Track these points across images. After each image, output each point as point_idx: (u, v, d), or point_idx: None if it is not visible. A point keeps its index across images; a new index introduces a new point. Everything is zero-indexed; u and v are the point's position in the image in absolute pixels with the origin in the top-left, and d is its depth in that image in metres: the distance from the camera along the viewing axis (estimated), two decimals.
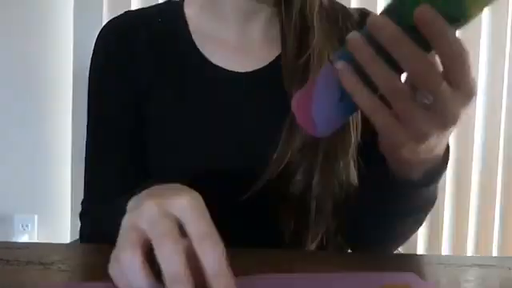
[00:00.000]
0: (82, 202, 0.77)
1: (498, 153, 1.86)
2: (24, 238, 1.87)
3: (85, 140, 0.76)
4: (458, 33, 0.41)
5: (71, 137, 1.80)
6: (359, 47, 0.41)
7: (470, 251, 1.87)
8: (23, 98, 1.86)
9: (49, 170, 1.87)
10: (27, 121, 1.86)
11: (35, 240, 1.87)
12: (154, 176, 0.72)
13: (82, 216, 0.76)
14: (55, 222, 1.88)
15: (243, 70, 0.71)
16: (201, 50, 0.73)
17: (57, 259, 0.55)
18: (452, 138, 1.84)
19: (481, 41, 1.82)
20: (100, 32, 0.76)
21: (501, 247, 1.89)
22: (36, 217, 1.89)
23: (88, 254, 0.60)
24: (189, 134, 0.70)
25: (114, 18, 0.77)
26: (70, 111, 1.79)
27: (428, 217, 0.66)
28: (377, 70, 0.40)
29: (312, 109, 0.44)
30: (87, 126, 0.76)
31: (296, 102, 0.45)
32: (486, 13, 1.82)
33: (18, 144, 1.87)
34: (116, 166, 0.73)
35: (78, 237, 0.75)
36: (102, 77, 0.75)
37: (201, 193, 0.40)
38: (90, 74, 0.76)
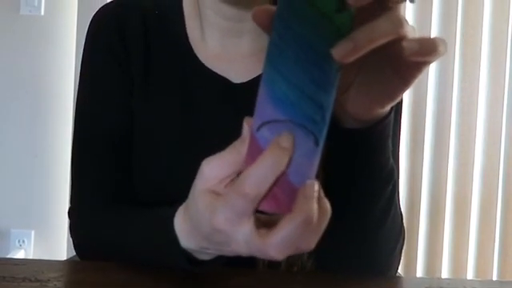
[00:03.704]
0: (72, 199, 0.74)
1: (498, 174, 1.85)
2: (20, 254, 1.85)
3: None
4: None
5: (70, 152, 1.80)
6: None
7: (470, 274, 1.86)
8: (20, 112, 1.86)
9: (46, 186, 1.86)
10: (24, 135, 1.86)
11: (31, 256, 1.86)
12: (137, 175, 0.71)
13: (75, 217, 0.72)
14: (52, 237, 1.87)
15: (237, 81, 0.70)
16: (195, 50, 0.71)
17: (53, 276, 0.54)
18: (452, 161, 1.84)
19: (481, 43, 1.83)
20: (96, 16, 0.74)
21: (501, 270, 1.88)
22: (33, 232, 1.87)
23: (84, 271, 0.59)
24: (173, 138, 0.69)
25: (109, 3, 0.74)
26: (70, 125, 1.79)
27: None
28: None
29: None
30: (76, 109, 0.74)
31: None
32: (486, 16, 1.83)
33: (15, 158, 1.87)
34: (108, 155, 0.71)
35: (74, 253, 0.74)
36: (97, 60, 0.73)
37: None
38: (83, 57, 0.74)
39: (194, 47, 0.72)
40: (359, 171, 0.55)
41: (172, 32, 0.72)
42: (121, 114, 0.71)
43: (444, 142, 1.84)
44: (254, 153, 0.38)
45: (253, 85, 0.37)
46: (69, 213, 0.73)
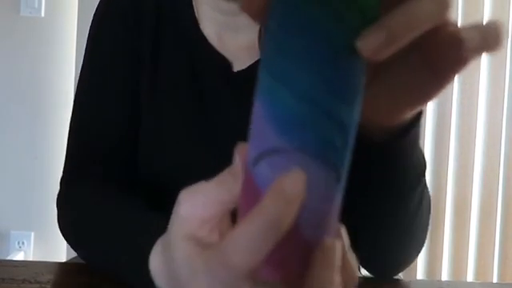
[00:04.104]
0: (65, 168, 0.74)
1: (499, 177, 1.85)
2: (20, 256, 1.85)
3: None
4: None
5: None
6: None
7: (470, 277, 1.85)
8: (20, 114, 1.86)
9: (46, 187, 1.86)
10: (24, 137, 1.86)
11: (31, 257, 1.85)
12: (141, 158, 0.70)
13: (63, 186, 0.71)
14: (52, 239, 1.86)
15: (243, 67, 0.69)
16: (204, 32, 0.71)
17: (52, 278, 0.54)
18: (452, 163, 1.84)
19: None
20: None
21: (501, 273, 1.87)
22: (32, 234, 1.87)
23: (84, 274, 0.59)
24: (179, 118, 0.69)
25: None
26: None
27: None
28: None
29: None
30: (80, 78, 0.73)
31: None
32: (486, 17, 1.82)
33: (15, 160, 1.86)
34: (114, 122, 0.71)
35: (74, 255, 0.74)
36: (109, 25, 0.72)
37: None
38: (92, 27, 0.74)
39: (201, 26, 0.72)
40: (391, 178, 0.50)
41: (181, 9, 0.72)
42: (126, 97, 0.71)
43: (444, 145, 1.84)
44: (251, 196, 0.26)
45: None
46: (60, 182, 0.74)
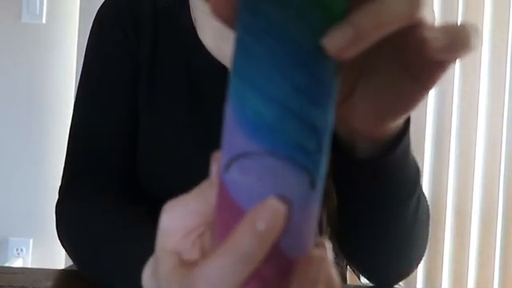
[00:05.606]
0: (64, 175, 0.73)
1: (499, 185, 1.85)
2: (18, 263, 1.84)
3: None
4: None
5: None
6: None
7: (470, 285, 1.85)
8: (20, 120, 1.86)
9: (45, 193, 1.86)
10: (24, 142, 1.86)
11: (29, 264, 1.85)
12: (140, 164, 0.70)
13: (61, 194, 0.71)
14: (50, 246, 1.86)
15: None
16: (202, 39, 0.72)
17: (51, 285, 0.53)
18: (452, 172, 1.84)
19: (481, 52, 1.83)
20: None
21: (502, 282, 1.87)
22: (31, 241, 1.87)
23: (83, 281, 0.59)
24: (177, 126, 0.69)
25: None
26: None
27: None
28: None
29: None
30: (79, 84, 0.74)
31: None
32: (486, 24, 1.83)
33: (14, 166, 1.86)
34: (111, 136, 0.70)
35: (72, 263, 0.74)
36: (107, 36, 0.73)
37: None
38: (91, 36, 0.74)
39: (199, 33, 0.72)
40: (385, 193, 0.50)
41: (178, 16, 0.73)
42: (125, 103, 0.71)
43: (444, 153, 1.83)
44: (223, 203, 0.26)
45: None
46: (59, 189, 0.73)
